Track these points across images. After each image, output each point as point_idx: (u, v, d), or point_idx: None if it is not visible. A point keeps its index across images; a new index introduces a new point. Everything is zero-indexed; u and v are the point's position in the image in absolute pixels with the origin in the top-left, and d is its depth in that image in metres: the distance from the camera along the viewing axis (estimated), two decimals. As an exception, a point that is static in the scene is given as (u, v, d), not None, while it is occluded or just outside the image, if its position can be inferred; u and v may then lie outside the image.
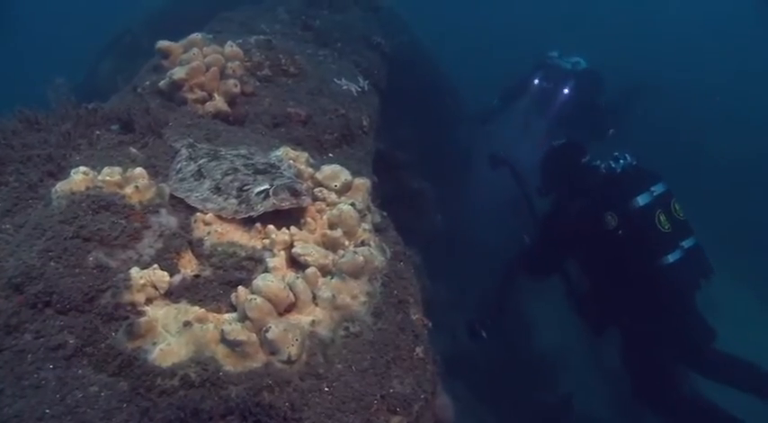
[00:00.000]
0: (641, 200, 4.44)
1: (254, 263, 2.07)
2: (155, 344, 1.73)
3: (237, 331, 1.71)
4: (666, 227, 4.40)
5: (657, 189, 4.52)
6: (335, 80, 3.86)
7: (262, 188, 2.22)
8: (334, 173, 2.44)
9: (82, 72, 9.22)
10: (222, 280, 2.01)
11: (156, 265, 1.90)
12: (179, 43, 3.53)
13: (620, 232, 4.42)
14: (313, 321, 1.90)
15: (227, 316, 1.85)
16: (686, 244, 4.45)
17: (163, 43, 3.53)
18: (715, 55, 15.80)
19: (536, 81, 7.31)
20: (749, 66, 15.16)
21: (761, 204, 10.74)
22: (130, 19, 9.03)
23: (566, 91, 6.99)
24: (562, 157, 5.12)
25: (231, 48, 3.49)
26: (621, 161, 4.72)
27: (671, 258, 4.36)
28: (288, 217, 2.24)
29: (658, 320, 4.58)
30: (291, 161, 2.60)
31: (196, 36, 3.51)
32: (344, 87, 3.81)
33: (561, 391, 7.94)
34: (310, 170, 2.53)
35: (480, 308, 6.02)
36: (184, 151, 2.61)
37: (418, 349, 2.11)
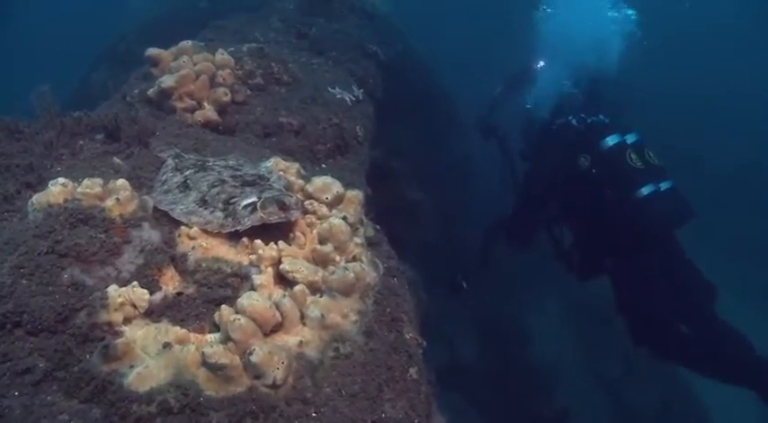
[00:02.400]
0: (611, 140, 4.68)
1: (239, 280, 1.98)
2: (132, 367, 1.63)
3: (219, 354, 1.61)
4: (638, 164, 4.56)
5: (630, 138, 4.73)
6: (329, 89, 3.78)
7: (249, 201, 2.12)
8: (326, 185, 2.35)
9: (77, 79, 9.17)
10: (206, 298, 1.91)
11: (135, 283, 1.81)
12: (169, 51, 3.45)
13: (593, 171, 4.65)
14: (301, 342, 1.80)
15: (209, 337, 1.76)
16: (663, 186, 4.55)
17: (152, 51, 3.44)
18: (714, 55, 15.80)
19: (541, 63, 7.16)
20: (749, 68, 15.15)
21: (757, 214, 10.69)
22: (125, 26, 8.96)
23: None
24: (543, 124, 5.39)
25: (222, 55, 3.41)
26: (593, 118, 5.00)
27: (645, 191, 4.47)
28: (276, 231, 2.15)
29: (642, 257, 4.65)
30: (281, 172, 2.52)
31: (186, 43, 3.43)
32: (338, 96, 3.73)
33: (558, 404, 7.86)
34: (301, 182, 2.44)
35: (463, 265, 6.22)
36: (170, 162, 2.52)
37: (412, 370, 2.01)
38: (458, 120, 9.22)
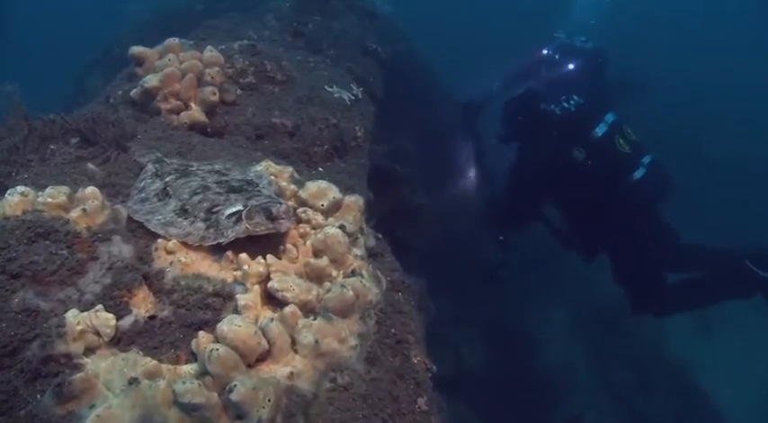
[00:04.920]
0: (599, 130, 4.97)
1: (222, 300, 1.73)
2: (92, 407, 1.38)
3: (194, 391, 1.37)
4: (627, 148, 4.95)
5: (609, 118, 5.03)
6: (326, 87, 3.54)
7: (233, 210, 1.88)
8: (321, 190, 2.11)
9: (72, 84, 9.00)
10: (183, 321, 1.67)
11: (100, 306, 1.57)
12: (154, 49, 3.21)
13: (589, 162, 4.94)
14: (291, 373, 1.55)
15: (185, 368, 1.51)
16: (645, 160, 4.96)
17: (136, 49, 3.21)
18: (714, 53, 15.61)
19: (544, 51, 7.06)
20: (748, 65, 14.95)
21: (759, 208, 10.45)
22: (120, 31, 8.78)
23: (570, 66, 6.77)
24: (522, 105, 5.48)
25: (211, 53, 3.17)
26: (572, 101, 5.17)
27: (637, 175, 4.90)
28: (265, 242, 1.90)
29: (634, 232, 5.12)
30: (273, 177, 2.27)
31: (173, 41, 3.19)
32: (336, 95, 3.49)
33: (569, 412, 7.63)
34: (293, 187, 2.20)
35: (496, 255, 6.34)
36: (150, 167, 2.28)
37: (420, 400, 1.77)
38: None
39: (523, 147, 5.60)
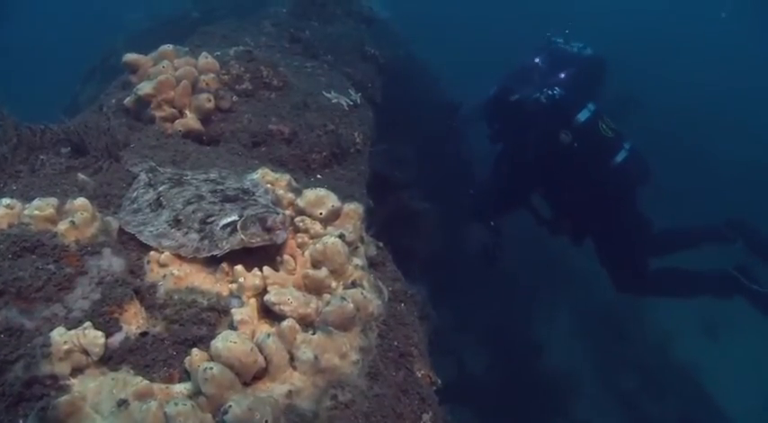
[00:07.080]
0: (582, 116, 5.12)
1: (217, 314, 1.66)
2: (79, 432, 1.31)
3: (186, 413, 1.29)
4: (609, 133, 5.13)
5: (591, 106, 5.20)
6: (324, 93, 3.48)
7: (228, 220, 1.81)
8: (319, 198, 2.04)
9: (69, 95, 8.94)
10: (177, 338, 1.59)
11: (88, 323, 1.49)
12: (148, 56, 3.16)
13: (575, 145, 5.06)
14: (290, 392, 1.48)
15: (178, 388, 1.43)
16: (626, 146, 5.14)
17: (130, 56, 3.15)
18: (714, 55, 15.62)
19: (536, 59, 7.10)
20: (749, 67, 14.96)
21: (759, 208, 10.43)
22: (116, 39, 8.73)
23: (562, 75, 6.76)
24: (495, 102, 5.68)
25: (206, 59, 3.11)
26: (555, 91, 5.30)
27: (619, 158, 5.09)
28: (263, 254, 1.83)
29: (617, 215, 5.32)
30: (270, 185, 2.21)
31: (167, 48, 3.13)
32: (334, 101, 3.43)
33: (575, 417, 7.55)
34: (291, 196, 2.12)
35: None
36: (143, 176, 2.21)
37: (425, 417, 1.69)
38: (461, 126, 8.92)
39: (509, 140, 5.72)
